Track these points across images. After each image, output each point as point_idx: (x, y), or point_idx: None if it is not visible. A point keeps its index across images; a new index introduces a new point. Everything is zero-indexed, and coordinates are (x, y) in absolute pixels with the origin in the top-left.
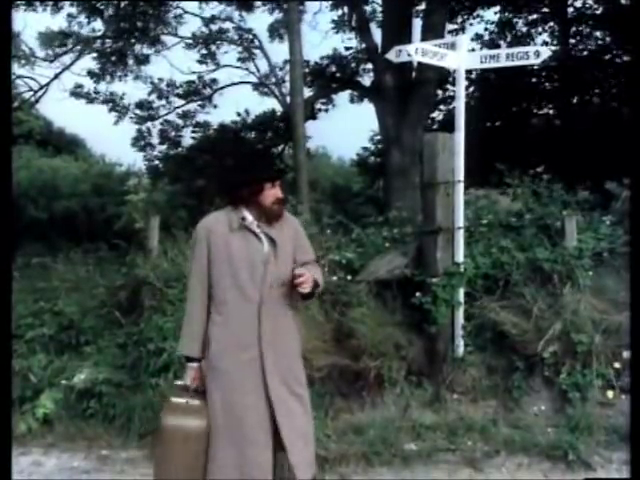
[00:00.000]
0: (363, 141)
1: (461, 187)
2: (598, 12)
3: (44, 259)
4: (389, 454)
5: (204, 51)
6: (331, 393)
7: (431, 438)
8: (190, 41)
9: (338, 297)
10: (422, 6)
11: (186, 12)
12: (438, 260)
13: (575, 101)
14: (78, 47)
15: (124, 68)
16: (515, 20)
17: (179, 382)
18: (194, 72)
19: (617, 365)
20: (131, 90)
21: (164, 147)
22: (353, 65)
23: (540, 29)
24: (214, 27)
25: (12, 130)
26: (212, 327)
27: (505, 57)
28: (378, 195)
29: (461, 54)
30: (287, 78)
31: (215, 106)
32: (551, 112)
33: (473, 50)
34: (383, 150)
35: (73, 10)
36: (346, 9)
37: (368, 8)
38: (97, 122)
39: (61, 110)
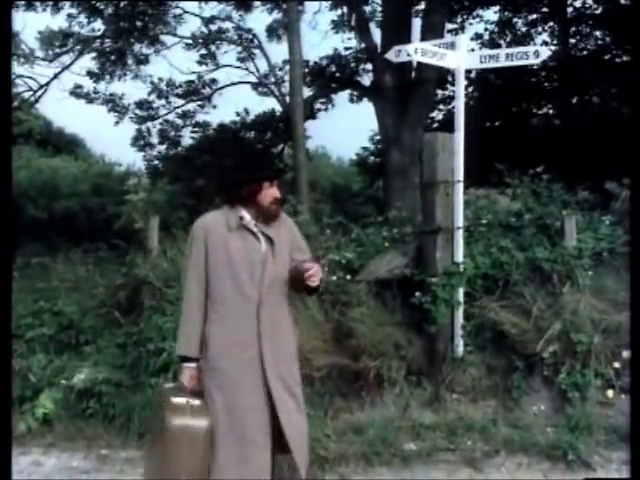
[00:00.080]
0: (363, 141)
1: (461, 187)
2: (598, 12)
3: (44, 259)
4: (389, 454)
5: (204, 51)
6: (331, 393)
7: (431, 438)
8: (190, 41)
9: (338, 297)
10: (422, 6)
11: (186, 12)
12: (438, 260)
13: (575, 101)
14: (78, 47)
15: (123, 68)
16: (515, 20)
17: (169, 385)
18: (194, 72)
19: (617, 365)
20: (131, 90)
21: (164, 147)
22: (353, 65)
23: (540, 29)
24: (213, 27)
25: (12, 130)
26: (210, 327)
27: (505, 57)
28: (378, 195)
29: (461, 54)
30: (287, 78)
31: (214, 106)
32: (551, 112)
33: (472, 50)
34: (383, 150)
35: (73, 10)
36: (345, 9)
37: (368, 8)
38: (97, 122)
39: (61, 110)
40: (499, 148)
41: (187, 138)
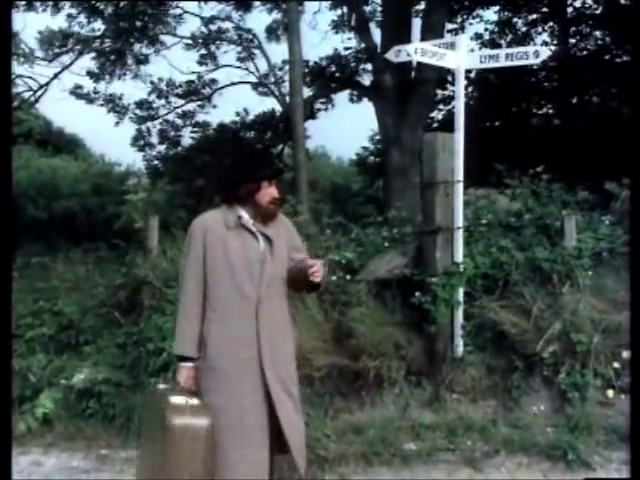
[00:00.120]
0: (362, 141)
1: (460, 187)
2: (598, 12)
3: (44, 259)
4: (388, 454)
5: (203, 51)
6: (330, 393)
7: (430, 438)
8: (189, 41)
9: (338, 297)
10: (422, 6)
11: (185, 12)
12: (437, 260)
13: (575, 101)
14: (78, 47)
15: (123, 67)
16: (515, 20)
17: (162, 385)
18: (194, 72)
19: (616, 365)
20: (130, 90)
21: (163, 147)
22: (352, 65)
23: (540, 29)
24: (213, 27)
25: (12, 130)
26: (208, 326)
27: (504, 57)
28: (377, 195)
29: (460, 54)
30: (286, 78)
31: (214, 106)
32: (551, 112)
33: (472, 50)
34: (382, 150)
35: (73, 10)
36: (345, 9)
37: (368, 8)
38: (97, 122)
39: (61, 110)
40: (499, 148)
41: (187, 138)
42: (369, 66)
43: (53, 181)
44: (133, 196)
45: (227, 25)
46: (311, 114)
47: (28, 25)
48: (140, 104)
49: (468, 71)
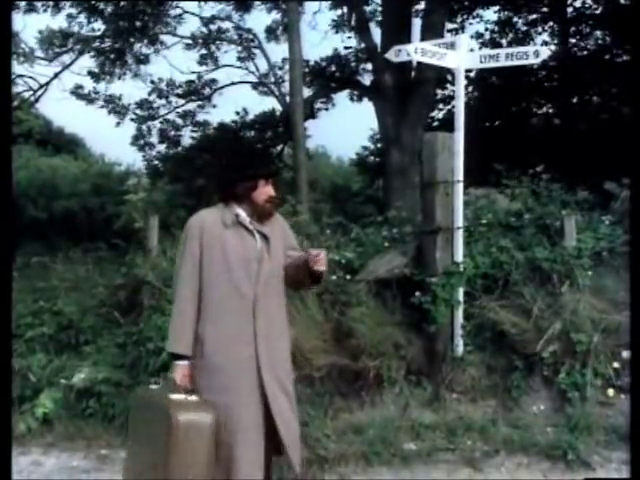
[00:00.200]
0: (363, 140)
1: (460, 187)
2: (598, 12)
3: (43, 259)
4: (388, 454)
5: (204, 51)
6: (330, 393)
7: (430, 438)
8: (189, 41)
9: (337, 296)
10: (422, 6)
11: (185, 12)
12: (437, 260)
13: (575, 101)
14: (78, 46)
15: (123, 67)
16: (515, 20)
17: (154, 386)
18: (194, 72)
19: (616, 365)
20: (131, 90)
21: (164, 147)
22: (352, 65)
23: (540, 29)
24: (213, 27)
25: (12, 130)
26: (205, 325)
27: (504, 57)
28: (377, 195)
29: (460, 54)
30: (287, 78)
31: (214, 106)
32: (550, 112)
33: (472, 50)
34: (382, 150)
35: (73, 10)
36: (345, 9)
37: (368, 8)
38: (96, 121)
39: (61, 110)
40: (499, 148)
41: (187, 138)
42: (369, 66)
43: (53, 181)
44: (133, 196)
45: (227, 25)
46: (311, 114)
47: (28, 25)
48: (140, 104)
49: (468, 71)
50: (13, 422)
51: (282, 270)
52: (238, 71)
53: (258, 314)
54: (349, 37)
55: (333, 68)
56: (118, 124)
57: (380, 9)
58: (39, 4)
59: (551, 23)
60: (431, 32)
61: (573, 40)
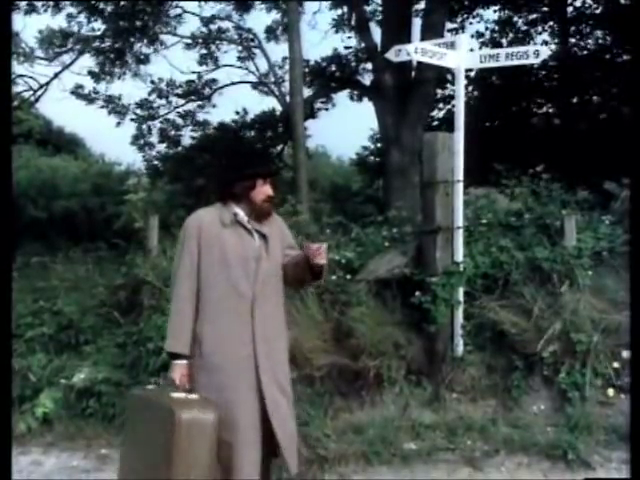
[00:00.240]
0: (363, 140)
1: (460, 186)
2: (598, 11)
3: (43, 258)
4: (388, 453)
5: (204, 50)
6: (330, 392)
7: (430, 437)
8: (189, 41)
9: (337, 296)
10: (422, 5)
11: (185, 12)
12: (437, 259)
13: (575, 100)
14: (78, 46)
15: (122, 66)
16: (515, 19)
17: (150, 386)
18: (194, 72)
19: (616, 364)
20: (131, 89)
21: (164, 146)
22: (353, 64)
23: (540, 28)
24: (213, 26)
25: (12, 129)
26: (203, 323)
27: (505, 56)
28: (377, 194)
29: (461, 53)
30: (287, 77)
31: (214, 105)
32: (551, 111)
33: (472, 50)
34: (383, 149)
35: (73, 10)
36: (345, 8)
37: (368, 7)
38: (97, 121)
39: (61, 109)
40: (499, 148)
41: (187, 138)
42: (369, 66)
43: (53, 181)
44: (133, 196)
45: (227, 25)
46: (311, 114)
47: (28, 25)
48: (140, 104)
49: (468, 70)
50: (13, 422)
51: (280, 269)
52: (238, 71)
53: (256, 313)
54: (349, 37)
55: (333, 68)
56: (118, 124)
57: (380, 9)
58: (39, 4)
59: (551, 23)
60: (431, 32)
61: (573, 40)
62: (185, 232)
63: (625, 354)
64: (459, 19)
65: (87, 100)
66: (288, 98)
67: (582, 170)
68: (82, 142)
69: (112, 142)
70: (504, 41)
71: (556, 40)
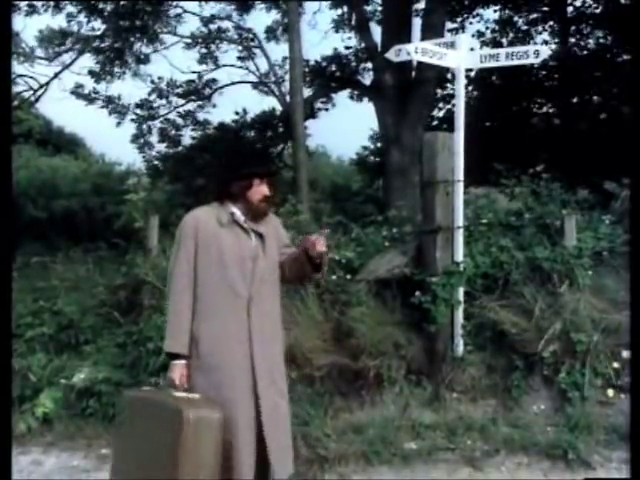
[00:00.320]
0: (363, 140)
1: (461, 186)
2: (598, 11)
3: (43, 258)
4: (389, 453)
5: (204, 50)
6: (330, 392)
7: (430, 437)
8: (189, 40)
9: (337, 296)
10: (422, 5)
11: (185, 11)
12: (438, 259)
13: (575, 100)
14: (78, 46)
15: (122, 66)
16: (515, 19)
17: (146, 387)
18: (194, 71)
19: (616, 364)
20: (131, 89)
21: (164, 146)
22: (353, 64)
23: (540, 28)
24: (213, 26)
25: (12, 129)
26: (200, 323)
27: (505, 56)
28: (378, 194)
29: (461, 53)
30: (287, 77)
31: (214, 105)
32: (551, 111)
33: (472, 49)
34: (383, 149)
35: (73, 9)
36: (346, 8)
37: (368, 7)
38: (97, 121)
39: (61, 109)
40: (499, 147)
41: (187, 137)
42: (369, 65)
43: (53, 181)
44: (133, 195)
45: (227, 24)
46: (311, 113)
47: (28, 25)
48: (140, 104)
49: (468, 70)
50: (13, 422)
51: (277, 269)
52: (238, 71)
53: (253, 313)
54: (349, 37)
55: (333, 68)
56: (118, 124)
57: (380, 9)
58: (39, 4)
59: (551, 23)
60: (431, 32)
61: (573, 40)
62: (182, 231)
63: (625, 354)
64: (459, 19)
65: (87, 100)
66: (288, 98)
67: (582, 170)
68: (82, 142)
69: (112, 142)
70: (504, 41)
71: (556, 40)
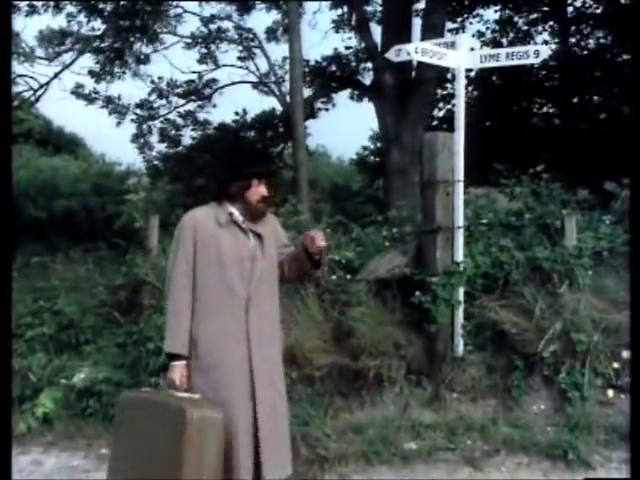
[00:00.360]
0: (363, 140)
1: (461, 186)
2: (598, 11)
3: (43, 258)
4: (389, 453)
5: (204, 50)
6: (331, 392)
7: (431, 437)
8: (189, 40)
9: (338, 296)
10: (422, 5)
11: (186, 11)
12: (438, 259)
13: (575, 100)
14: (78, 46)
15: (122, 66)
16: (515, 19)
17: (145, 389)
18: (194, 72)
19: (616, 364)
20: (131, 89)
21: (164, 146)
22: (353, 64)
23: (540, 28)
24: (213, 26)
25: (12, 129)
26: (199, 323)
27: (505, 56)
28: (378, 194)
29: (461, 53)
30: (287, 77)
31: (214, 105)
32: (551, 111)
33: (472, 49)
34: (383, 149)
35: (73, 9)
36: (346, 8)
37: (368, 7)
38: (97, 121)
39: (61, 109)
40: (499, 147)
41: (187, 137)
42: (369, 65)
43: (53, 181)
44: (133, 195)
45: (227, 24)
46: (311, 113)
47: (29, 25)
48: (140, 104)
49: (468, 70)
50: (13, 422)
51: (276, 269)
52: (238, 71)
53: (251, 313)
54: (349, 37)
55: (333, 68)
56: (118, 124)
57: (380, 9)
58: (39, 4)
59: (551, 23)
60: (431, 32)
61: (573, 40)
62: (180, 231)
63: (625, 354)
64: (459, 19)
65: (87, 100)
66: (288, 98)
67: (582, 170)
68: (82, 142)
69: (112, 142)
70: (504, 41)
71: (556, 40)
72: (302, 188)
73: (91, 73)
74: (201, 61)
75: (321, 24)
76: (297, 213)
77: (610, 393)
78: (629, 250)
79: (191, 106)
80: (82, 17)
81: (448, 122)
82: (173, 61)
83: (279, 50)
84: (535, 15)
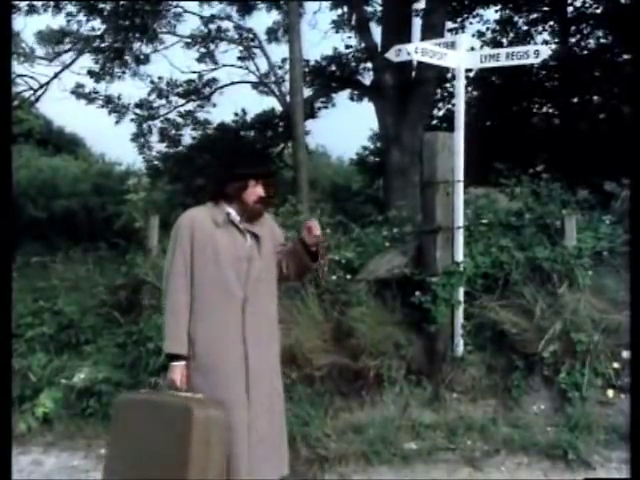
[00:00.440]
0: (363, 140)
1: (461, 186)
2: (598, 11)
3: (43, 258)
4: (389, 453)
5: (203, 50)
6: (330, 392)
7: (431, 437)
8: (189, 40)
9: (338, 296)
10: (422, 5)
11: (186, 11)
12: (438, 259)
13: (575, 100)
14: (77, 46)
15: (122, 66)
16: (515, 19)
17: (143, 390)
18: (194, 71)
19: (616, 364)
20: (131, 89)
21: (164, 146)
22: (353, 64)
23: (540, 28)
24: (213, 26)
25: (12, 129)
26: (196, 325)
27: (505, 56)
28: (378, 194)
29: (461, 53)
30: (287, 77)
31: (214, 105)
32: (551, 111)
33: (472, 49)
34: (383, 149)
35: (72, 9)
36: (346, 8)
37: (368, 7)
38: (97, 121)
39: (61, 109)
40: (499, 147)
41: (187, 137)
42: (369, 65)
43: (53, 181)
44: (133, 195)
45: (227, 24)
46: (311, 113)
47: (29, 25)
48: (140, 104)
49: (468, 70)
50: (13, 422)
51: (273, 269)
52: (238, 71)
53: (248, 313)
54: (349, 37)
55: (333, 68)
56: (116, 122)
57: (380, 9)
58: (39, 4)
59: (551, 23)
60: (431, 32)
61: (573, 40)
62: (178, 231)
63: (625, 354)
64: (459, 19)
65: (87, 100)
66: (288, 98)
67: (582, 170)
68: (82, 142)
69: (112, 142)
70: (504, 41)
71: (556, 40)
72: (302, 188)
73: (91, 73)
74: (201, 61)
75: (321, 24)
76: (297, 213)
77: (610, 393)
78: (629, 250)
79: (191, 106)
80: (82, 17)
81: (448, 122)
82: (173, 61)
83: (279, 50)
84: (535, 15)
